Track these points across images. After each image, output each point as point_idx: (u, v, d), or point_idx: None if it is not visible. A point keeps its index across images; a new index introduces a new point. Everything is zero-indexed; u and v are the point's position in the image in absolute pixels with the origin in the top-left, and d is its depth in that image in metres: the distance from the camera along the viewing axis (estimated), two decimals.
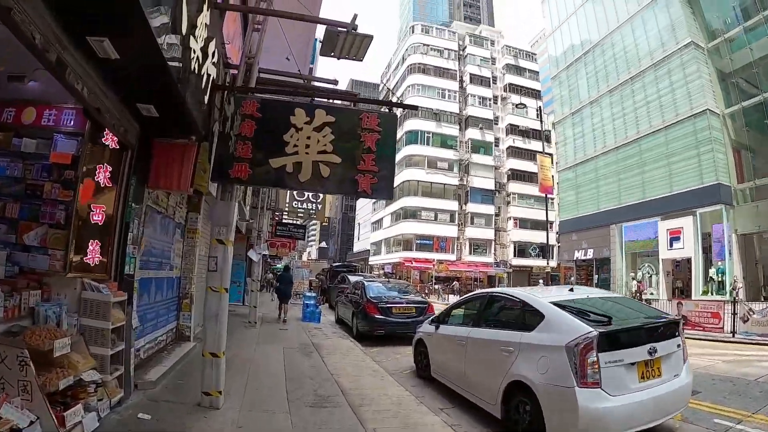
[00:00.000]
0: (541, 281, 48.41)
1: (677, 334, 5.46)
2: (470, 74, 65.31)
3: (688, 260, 28.23)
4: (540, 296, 6.00)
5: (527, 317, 5.79)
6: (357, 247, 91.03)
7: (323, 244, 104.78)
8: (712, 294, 24.89)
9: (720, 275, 25.29)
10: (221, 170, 5.92)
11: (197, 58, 4.98)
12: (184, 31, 4.34)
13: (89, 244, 5.04)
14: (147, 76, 4.44)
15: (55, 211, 4.95)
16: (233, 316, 14.92)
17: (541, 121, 33.38)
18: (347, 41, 6.11)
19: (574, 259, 41.65)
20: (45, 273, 4.80)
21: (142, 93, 4.91)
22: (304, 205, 19.85)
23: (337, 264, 34.72)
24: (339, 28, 5.96)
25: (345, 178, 6.03)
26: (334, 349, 10.82)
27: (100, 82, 4.50)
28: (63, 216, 4.91)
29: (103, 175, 5.19)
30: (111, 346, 5.12)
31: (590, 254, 39.95)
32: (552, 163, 57.68)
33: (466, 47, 67.30)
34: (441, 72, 65.00)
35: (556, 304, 5.55)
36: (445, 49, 66.45)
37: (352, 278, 21.03)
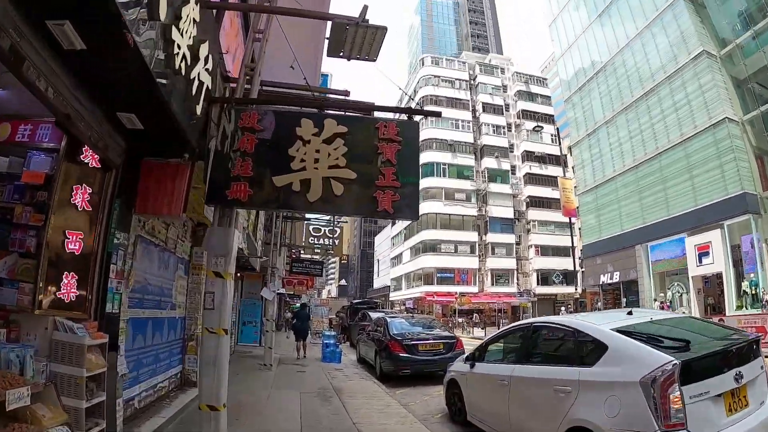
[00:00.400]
0: (562, 309, 46.93)
1: (759, 353, 4.54)
2: (482, 103, 65.06)
3: (719, 275, 26.96)
4: (597, 323, 5.05)
5: (585, 349, 4.87)
6: (377, 283, 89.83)
7: (343, 282, 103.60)
8: (746, 308, 23.64)
9: (753, 287, 23.97)
10: (218, 191, 5.15)
11: (183, 57, 4.26)
12: (162, 17, 3.62)
13: (64, 276, 4.27)
14: (121, 73, 3.74)
15: (26, 238, 4.22)
16: (248, 358, 14.16)
17: (560, 143, 32.67)
18: (357, 36, 5.40)
19: (600, 283, 40.15)
20: (13, 309, 4.03)
21: (120, 98, 4.21)
22: (321, 241, 19.06)
23: (358, 301, 33.69)
24: (347, 22, 5.23)
25: (362, 196, 5.21)
26: (357, 393, 9.83)
27: (68, 81, 3.82)
28: (34, 243, 4.17)
29: (81, 197, 4.46)
30: (87, 397, 4.26)
31: (616, 277, 38.30)
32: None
33: (476, 76, 67.25)
34: (453, 102, 64.80)
35: (620, 331, 4.62)
36: (456, 79, 66.45)
37: (374, 315, 20.04)
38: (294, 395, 9.09)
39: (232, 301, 11.80)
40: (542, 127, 54.81)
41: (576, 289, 28.62)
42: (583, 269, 60.55)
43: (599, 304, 40.17)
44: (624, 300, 36.24)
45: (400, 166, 5.19)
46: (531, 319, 6.56)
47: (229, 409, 7.32)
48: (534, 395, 5.40)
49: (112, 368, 4.91)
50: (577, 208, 46.08)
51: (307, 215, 19.57)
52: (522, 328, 6.52)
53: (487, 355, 7.06)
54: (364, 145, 5.26)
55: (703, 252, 27.90)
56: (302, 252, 20.94)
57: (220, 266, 5.16)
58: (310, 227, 19.31)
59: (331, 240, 18.91)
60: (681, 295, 32.04)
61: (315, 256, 21.77)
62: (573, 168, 62.32)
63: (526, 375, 5.61)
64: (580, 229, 60.65)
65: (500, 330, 7.48)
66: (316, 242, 18.90)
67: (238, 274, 14.90)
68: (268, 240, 13.39)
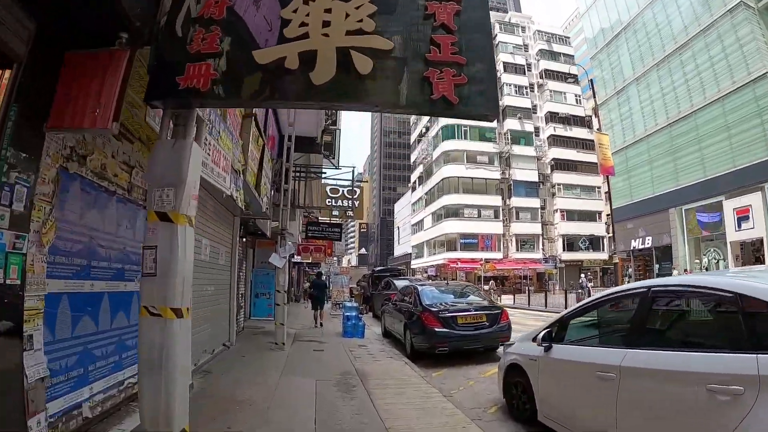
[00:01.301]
0: (582, 276, 44.91)
1: None
2: (504, 62, 61.88)
3: (760, 241, 25.40)
4: None
5: (760, 325, 2.91)
6: (398, 251, 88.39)
7: (363, 251, 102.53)
8: None
9: None
10: (164, 80, 3.19)
11: None
12: None
13: None
14: None
15: None
16: (260, 335, 12.46)
17: (594, 94, 30.02)
18: None
19: (631, 248, 38.54)
20: None
21: None
22: (339, 202, 17.15)
23: (380, 268, 31.91)
24: None
25: (406, 75, 3.17)
26: (386, 378, 7.98)
27: None
28: None
29: None
30: None
31: (648, 242, 36.85)
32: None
33: (496, 35, 63.83)
34: None
35: None
36: None
37: (399, 283, 18.21)
38: (308, 384, 7.25)
39: (235, 268, 10.02)
40: (576, 76, 52.18)
41: (613, 255, 26.46)
42: (611, 234, 58.60)
43: (629, 270, 38.85)
44: (656, 267, 35.42)
45: (463, 35, 3.15)
46: (646, 282, 4.50)
47: (221, 408, 5.52)
48: (668, 398, 3.45)
49: (13, 371, 3.09)
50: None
51: (324, 171, 17.70)
52: (632, 294, 4.49)
53: (569, 332, 5.13)
54: (404, 3, 3.21)
55: (742, 216, 26.47)
56: (319, 215, 19.17)
57: (167, 202, 3.18)
58: (327, 188, 17.39)
59: (350, 201, 17.00)
60: (717, 262, 30.95)
61: (333, 219, 19.86)
62: (598, 130, 59.92)
63: (650, 366, 3.65)
64: (606, 192, 58.49)
65: (591, 298, 5.45)
66: (334, 203, 17.01)
67: (244, 239, 13.11)
68: (278, 201, 11.47)
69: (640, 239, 37.43)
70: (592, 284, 49.27)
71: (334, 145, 16.78)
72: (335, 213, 18.65)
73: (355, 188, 16.80)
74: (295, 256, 25.08)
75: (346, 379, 7.72)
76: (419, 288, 11.21)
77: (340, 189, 17.62)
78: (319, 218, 20.24)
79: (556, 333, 5.22)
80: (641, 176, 37.11)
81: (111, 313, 5.05)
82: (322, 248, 20.36)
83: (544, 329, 5.43)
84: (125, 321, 5.38)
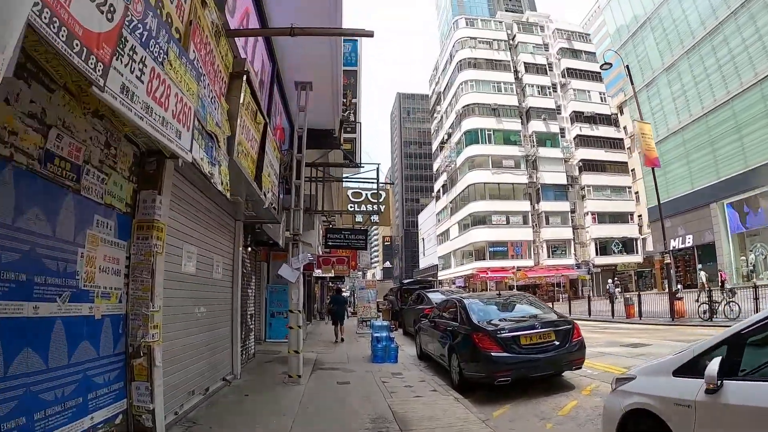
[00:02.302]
0: (609, 282, 42.29)
1: None
2: (524, 63, 60.58)
3: None
4: None
5: None
6: (423, 263, 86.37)
7: (387, 264, 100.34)
8: None
9: None
10: None
11: None
12: None
13: None
14: None
15: None
16: (274, 363, 10.20)
17: (630, 77, 27.71)
18: None
19: (670, 249, 35.84)
20: None
21: None
22: (363, 207, 15.15)
23: (409, 281, 29.79)
24: None
25: None
26: (435, 426, 5.85)
27: None
28: None
29: None
30: None
31: (689, 241, 35.56)
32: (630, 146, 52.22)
33: (515, 36, 62.41)
34: (493, 64, 60.54)
35: None
36: (494, 40, 61.95)
37: (433, 296, 16.13)
38: None
39: (238, 284, 8.10)
40: (611, 65, 50.16)
41: (649, 257, 24.31)
42: (643, 236, 56.19)
43: (700, 271, 36.24)
44: (699, 266, 33.17)
45: None
46: None
47: None
48: None
49: None
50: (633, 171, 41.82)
51: (344, 173, 15.75)
52: None
53: (745, 359, 3.03)
54: None
55: None
56: (341, 221, 17.12)
57: None
58: (349, 192, 15.41)
59: (375, 206, 15.01)
60: (765, 258, 29.92)
61: (357, 226, 17.83)
62: (625, 128, 57.73)
63: None
64: (636, 193, 55.94)
65: None
66: (357, 209, 15.03)
67: (250, 249, 11.11)
68: (288, 203, 9.49)
69: (680, 238, 36.05)
70: (619, 290, 46.96)
71: (356, 143, 14.86)
72: (358, 219, 16.65)
73: (380, 191, 14.69)
74: (316, 270, 23.14)
75: (381, 430, 5.62)
76: (465, 302, 9.06)
77: (363, 193, 15.63)
78: (341, 226, 18.29)
79: (729, 362, 3.09)
80: (677, 171, 35.71)
81: (18, 351, 3.09)
82: (345, 260, 18.30)
83: (700, 354, 3.32)
84: (59, 359, 3.45)
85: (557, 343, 7.90)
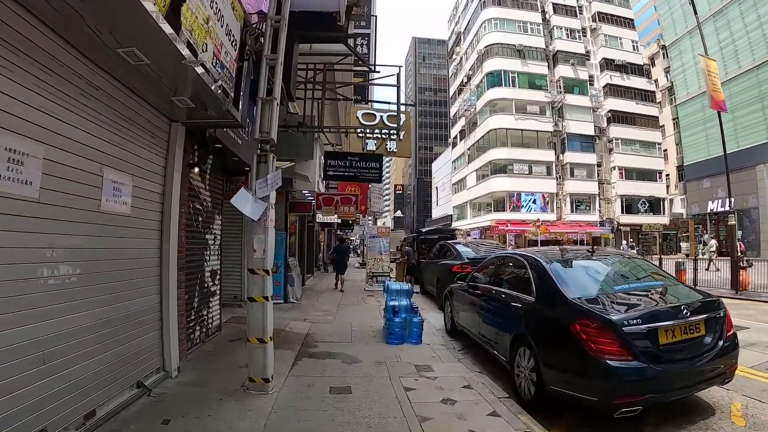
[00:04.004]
0: (624, 243, 39.55)
1: None
2: (552, 3, 55.25)
3: None
4: None
5: None
6: (436, 213, 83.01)
7: (398, 213, 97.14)
8: None
9: None
10: None
11: None
12: None
13: None
14: None
15: None
16: (242, 343, 6.71)
17: (694, 8, 23.59)
18: None
19: (708, 211, 34.27)
20: None
21: None
22: (376, 133, 11.52)
23: (428, 229, 26.25)
24: None
25: None
26: None
27: None
28: None
29: None
30: None
31: (730, 204, 31.06)
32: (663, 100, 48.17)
33: None
34: (519, 3, 55.35)
35: None
36: None
37: (462, 249, 12.71)
38: None
39: (173, 227, 4.61)
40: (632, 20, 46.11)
41: (678, 219, 21.44)
42: (671, 197, 52.51)
43: (705, 236, 33.87)
44: (740, 232, 30.03)
45: None
46: None
47: None
48: None
49: None
50: (673, 120, 38.36)
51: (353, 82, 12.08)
52: None
53: None
54: None
55: None
56: (348, 145, 13.35)
57: None
58: (359, 112, 11.76)
59: (392, 134, 11.41)
60: None
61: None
62: (656, 81, 53.19)
63: None
64: (665, 150, 51.92)
65: None
66: (369, 134, 11.44)
67: (207, 173, 7.44)
68: (268, 96, 5.77)
69: (719, 201, 32.43)
70: (635, 251, 44.06)
71: (369, 43, 11.20)
72: (370, 147, 12.85)
73: (400, 110, 10.81)
74: (319, 216, 19.68)
75: None
76: (542, 261, 5.55)
77: (378, 115, 12.02)
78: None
79: None
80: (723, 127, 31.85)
81: None
82: (351, 199, 14.64)
83: None
84: None
85: (708, 339, 4.51)
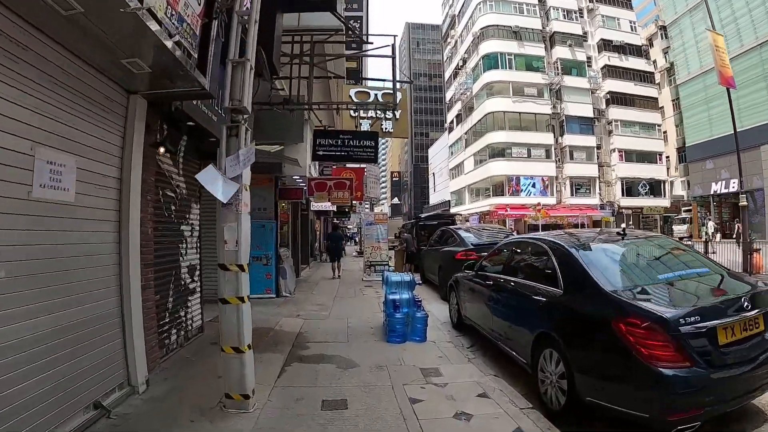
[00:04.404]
0: (623, 227, 39.19)
1: None
2: None
3: None
4: None
5: None
6: (433, 198, 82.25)
7: (395, 200, 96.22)
8: None
9: None
10: None
11: None
12: None
13: None
14: None
15: None
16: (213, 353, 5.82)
17: None
18: None
19: (711, 192, 33.58)
20: None
21: None
22: (371, 113, 10.65)
23: (428, 215, 25.48)
24: None
25: None
26: None
27: None
28: None
29: None
30: None
31: (734, 185, 30.80)
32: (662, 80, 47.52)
33: None
34: None
35: None
36: None
37: (465, 235, 11.92)
38: None
39: (132, 217, 3.81)
40: None
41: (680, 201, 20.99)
42: (671, 179, 51.79)
43: (707, 220, 32.76)
44: (701, 218, 31.98)
45: None
46: None
47: None
48: None
49: None
50: (673, 101, 37.82)
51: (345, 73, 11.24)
52: None
53: None
54: None
55: None
56: (340, 123, 12.40)
57: None
58: (351, 91, 10.89)
59: (387, 114, 10.55)
60: None
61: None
62: (655, 62, 52.25)
63: None
64: (665, 132, 51.13)
65: None
66: (362, 114, 10.57)
67: (179, 156, 6.54)
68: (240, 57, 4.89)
69: (723, 182, 32.52)
70: None
71: (362, 25, 10.35)
72: (365, 126, 11.93)
73: (396, 87, 9.85)
74: (312, 203, 18.83)
75: None
76: (568, 246, 4.71)
77: (372, 93, 11.16)
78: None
79: None
80: (725, 107, 31.25)
81: None
82: (346, 184, 13.73)
83: None
84: None
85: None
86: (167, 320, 5.94)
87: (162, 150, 5.41)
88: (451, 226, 14.63)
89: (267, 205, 11.17)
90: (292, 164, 10.27)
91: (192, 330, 6.85)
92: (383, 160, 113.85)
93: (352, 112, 10.92)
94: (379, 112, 10.96)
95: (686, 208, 47.06)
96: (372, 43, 8.97)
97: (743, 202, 17.35)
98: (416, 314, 6.85)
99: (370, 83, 10.75)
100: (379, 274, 15.16)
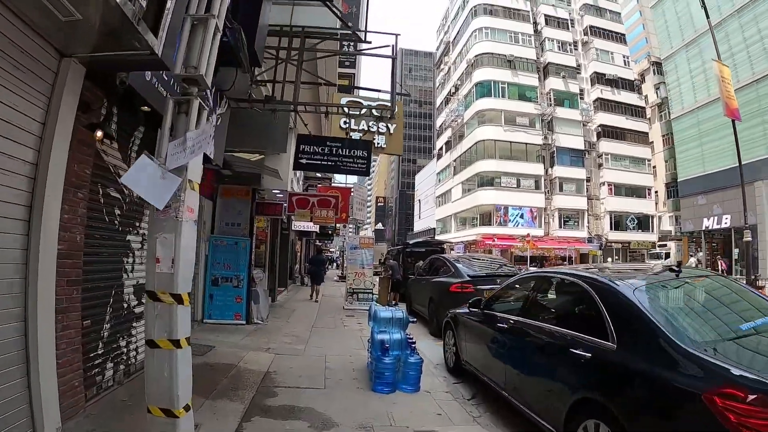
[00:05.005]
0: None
1: None
2: (545, 15, 54.45)
3: None
4: None
5: None
6: (418, 226, 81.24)
7: (379, 226, 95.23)
8: None
9: None
10: None
11: None
12: None
13: None
14: None
15: None
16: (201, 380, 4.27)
17: (706, 13, 22.31)
18: None
19: (703, 228, 32.71)
20: None
21: None
22: (363, 125, 9.59)
23: (416, 242, 24.33)
24: None
25: None
26: None
27: None
28: None
29: None
30: None
31: (726, 221, 30.78)
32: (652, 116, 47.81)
33: None
34: (511, 13, 54.41)
35: None
36: None
37: (460, 266, 10.75)
38: None
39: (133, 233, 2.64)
40: (623, 35, 45.93)
41: (666, 236, 20.52)
42: (659, 214, 51.62)
43: (699, 254, 33.31)
44: (736, 251, 29.97)
45: None
46: None
47: None
48: None
49: None
50: (661, 137, 37.47)
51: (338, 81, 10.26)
52: None
53: None
54: None
55: None
56: (330, 128, 11.18)
57: None
58: (343, 100, 9.84)
59: (379, 126, 9.51)
60: None
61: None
62: (646, 97, 52.56)
63: None
64: (655, 167, 51.13)
65: None
66: (352, 126, 9.51)
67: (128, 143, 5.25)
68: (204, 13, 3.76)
69: (715, 218, 31.66)
70: None
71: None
72: (356, 136, 10.70)
73: (395, 96, 8.65)
74: (293, 222, 17.61)
75: None
76: (619, 286, 3.59)
77: (365, 104, 10.14)
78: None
79: None
80: (718, 142, 31.04)
81: None
82: (330, 202, 12.54)
83: None
84: None
85: None
86: (100, 352, 4.71)
87: (101, 136, 4.21)
88: (442, 255, 13.53)
89: (242, 220, 9.96)
90: (272, 175, 9.14)
91: (136, 363, 5.61)
92: (369, 185, 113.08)
93: (342, 123, 9.83)
94: (371, 124, 9.89)
95: (661, 243, 46.86)
96: (370, 42, 7.87)
97: (747, 238, 16.70)
98: (409, 359, 5.67)
99: (363, 93, 9.72)
100: (362, 302, 13.97)
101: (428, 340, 9.32)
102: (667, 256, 43.75)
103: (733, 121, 19.24)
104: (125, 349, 5.37)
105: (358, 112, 10.17)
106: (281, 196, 11.40)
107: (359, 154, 7.63)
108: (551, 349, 4.07)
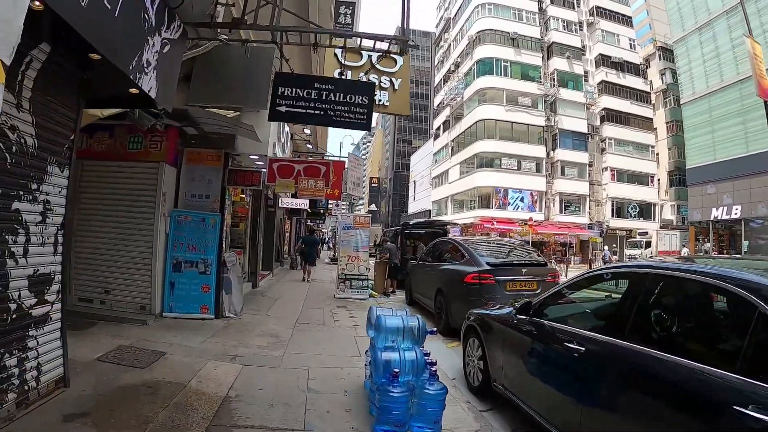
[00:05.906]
0: (606, 249, 39.04)
1: None
2: None
3: None
4: None
5: None
6: (413, 207, 79.73)
7: (373, 207, 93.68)
8: None
9: None
10: None
11: None
12: None
13: None
14: None
15: None
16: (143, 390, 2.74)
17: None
18: None
19: (711, 218, 31.95)
20: None
21: None
22: (361, 76, 7.82)
23: (416, 222, 22.51)
24: None
25: None
26: None
27: None
28: None
29: None
30: None
31: (736, 212, 30.18)
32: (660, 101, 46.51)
33: None
34: None
35: None
36: None
37: (476, 249, 8.98)
38: None
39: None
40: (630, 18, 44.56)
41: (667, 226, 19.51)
42: (661, 202, 50.27)
43: (707, 245, 32.69)
44: (746, 243, 29.46)
45: None
46: None
47: None
48: None
49: None
50: (669, 123, 36.05)
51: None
52: None
53: None
54: None
55: None
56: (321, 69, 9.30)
57: None
58: (336, 51, 7.97)
59: (387, 77, 7.76)
60: None
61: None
62: (651, 82, 50.89)
63: None
64: (658, 154, 49.67)
65: None
66: (349, 76, 7.73)
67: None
68: None
69: (725, 208, 31.07)
70: (617, 257, 42.07)
71: (354, 12, 7.68)
72: (361, 67, 8.60)
73: (402, 43, 6.67)
74: (281, 198, 15.79)
75: None
76: None
77: (365, 55, 8.36)
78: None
79: None
80: (731, 129, 30.51)
81: None
82: (320, 171, 10.66)
83: None
84: None
85: None
86: None
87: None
88: (450, 237, 11.82)
89: (211, 191, 8.14)
90: (249, 136, 7.33)
91: (38, 388, 3.87)
92: (364, 159, 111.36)
93: (336, 74, 7.99)
94: (373, 76, 8.09)
95: (641, 230, 45.60)
96: None
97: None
98: (426, 388, 3.86)
99: (364, 43, 7.89)
100: (355, 290, 12.29)
101: (436, 340, 7.59)
102: (648, 245, 42.65)
103: (765, 102, 17.59)
104: (15, 370, 3.63)
105: (357, 64, 8.38)
106: (261, 163, 9.58)
107: (358, 101, 5.64)
108: (683, 395, 2.34)
